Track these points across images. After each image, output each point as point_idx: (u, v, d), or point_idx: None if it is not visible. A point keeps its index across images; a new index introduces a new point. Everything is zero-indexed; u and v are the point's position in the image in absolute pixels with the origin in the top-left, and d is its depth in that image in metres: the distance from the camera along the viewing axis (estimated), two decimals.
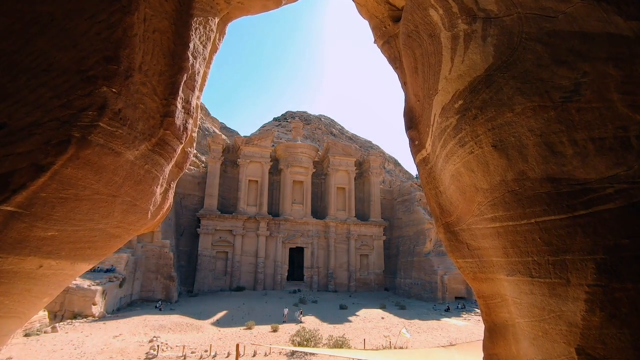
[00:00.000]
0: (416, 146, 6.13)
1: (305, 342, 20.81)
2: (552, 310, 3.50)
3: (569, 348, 3.32)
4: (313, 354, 19.60)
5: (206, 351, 20.45)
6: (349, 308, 36.98)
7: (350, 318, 32.08)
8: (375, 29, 7.52)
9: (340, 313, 34.43)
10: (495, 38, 3.83)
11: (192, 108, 6.15)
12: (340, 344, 20.65)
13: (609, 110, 3.16)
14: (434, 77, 4.73)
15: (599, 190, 3.16)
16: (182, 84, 5.72)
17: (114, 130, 4.49)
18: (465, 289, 42.09)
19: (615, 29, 3.27)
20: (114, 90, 4.40)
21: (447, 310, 37.22)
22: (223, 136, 54.52)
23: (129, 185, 5.17)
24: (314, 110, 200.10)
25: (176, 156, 6.13)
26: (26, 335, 21.59)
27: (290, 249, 51.61)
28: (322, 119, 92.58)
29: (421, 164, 6.08)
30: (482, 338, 5.75)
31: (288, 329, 26.27)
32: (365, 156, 60.52)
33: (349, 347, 20.53)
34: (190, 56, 5.84)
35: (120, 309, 32.64)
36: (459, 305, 39.19)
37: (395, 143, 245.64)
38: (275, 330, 26.03)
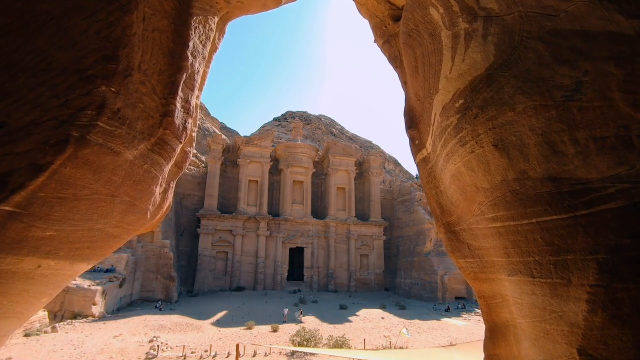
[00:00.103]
0: (416, 146, 6.11)
1: (305, 342, 20.81)
2: (554, 310, 3.48)
3: (571, 349, 3.30)
4: (313, 354, 19.59)
5: (206, 351, 20.44)
6: (349, 308, 36.97)
7: (350, 318, 32.07)
8: (375, 28, 7.50)
9: (340, 313, 34.42)
10: (496, 37, 3.81)
11: (191, 107, 6.13)
12: (340, 344, 20.64)
13: (610, 109, 3.14)
14: (434, 76, 4.70)
15: (601, 190, 3.14)
16: (182, 83, 5.70)
17: (113, 129, 4.47)
18: (466, 289, 42.08)
19: (616, 28, 3.25)
20: (112, 89, 4.38)
21: (447, 310, 37.21)
22: (223, 136, 54.51)
23: (128, 185, 5.15)
24: (314, 110, 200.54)
25: (175, 156, 6.11)
26: (26, 335, 21.58)
27: (290, 249, 51.61)
28: (322, 119, 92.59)
29: (421, 163, 6.06)
30: (482, 338, 5.73)
31: (288, 329, 26.26)
32: (365, 156, 60.50)
33: (349, 347, 20.52)
34: (189, 55, 5.82)
35: (120, 309, 32.63)
36: (459, 305, 39.17)
37: (395, 143, 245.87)
38: (275, 330, 26.03)
